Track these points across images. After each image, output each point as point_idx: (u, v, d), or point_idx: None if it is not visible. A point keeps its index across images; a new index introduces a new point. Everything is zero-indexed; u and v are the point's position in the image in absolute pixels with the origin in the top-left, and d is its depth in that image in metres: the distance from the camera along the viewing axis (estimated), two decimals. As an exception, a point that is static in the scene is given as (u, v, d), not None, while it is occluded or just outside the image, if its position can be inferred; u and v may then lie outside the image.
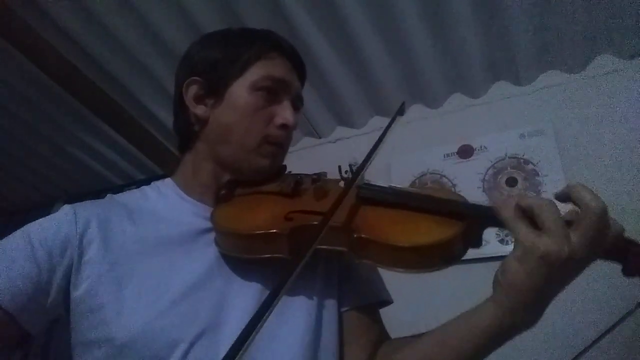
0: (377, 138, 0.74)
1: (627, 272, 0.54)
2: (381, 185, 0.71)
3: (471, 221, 0.61)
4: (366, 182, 0.72)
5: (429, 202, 0.66)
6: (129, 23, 1.78)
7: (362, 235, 0.61)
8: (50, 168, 2.73)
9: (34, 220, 0.67)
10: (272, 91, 0.76)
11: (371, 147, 0.72)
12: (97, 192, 2.86)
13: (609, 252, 0.54)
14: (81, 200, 0.73)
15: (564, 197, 0.54)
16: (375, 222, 0.64)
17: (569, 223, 0.51)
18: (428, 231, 0.61)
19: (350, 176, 0.76)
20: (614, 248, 0.53)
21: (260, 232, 0.65)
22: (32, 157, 2.61)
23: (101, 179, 2.82)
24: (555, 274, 0.51)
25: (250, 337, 0.41)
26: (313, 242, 0.55)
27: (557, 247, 0.49)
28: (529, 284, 0.52)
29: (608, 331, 0.64)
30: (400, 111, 0.84)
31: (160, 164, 2.42)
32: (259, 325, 0.42)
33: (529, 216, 0.53)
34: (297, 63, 0.82)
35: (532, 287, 0.52)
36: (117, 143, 2.46)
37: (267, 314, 0.43)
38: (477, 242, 0.63)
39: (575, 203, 0.52)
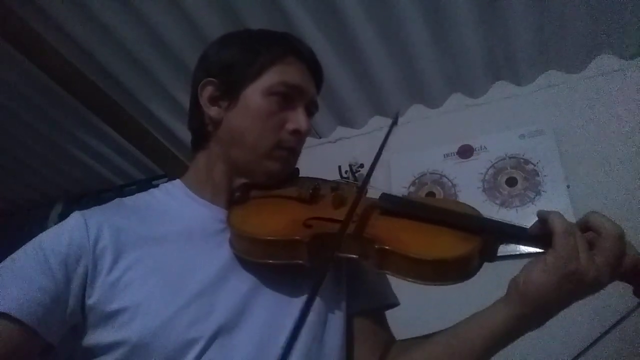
0: (377, 138, 0.74)
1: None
2: (400, 196, 0.72)
3: (489, 236, 0.62)
4: (385, 193, 0.72)
5: (448, 215, 0.66)
6: (129, 23, 1.78)
7: (386, 247, 0.60)
8: (50, 168, 2.72)
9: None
10: (286, 97, 0.76)
11: (371, 146, 0.73)
12: (97, 192, 2.86)
13: (624, 274, 0.57)
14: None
15: (583, 226, 0.58)
16: (397, 234, 0.63)
17: (590, 246, 0.56)
18: (449, 245, 0.61)
19: (350, 178, 0.76)
20: (630, 272, 0.56)
21: (282, 238, 0.65)
22: (32, 157, 2.60)
23: (101, 179, 2.80)
24: (578, 290, 0.55)
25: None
26: (332, 251, 0.57)
27: (588, 268, 0.54)
28: (550, 297, 0.55)
29: (608, 331, 0.64)
30: (395, 120, 0.85)
31: (160, 164, 2.42)
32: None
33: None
34: (314, 68, 0.82)
35: (553, 299, 0.56)
36: (117, 143, 2.45)
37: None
38: (492, 257, 0.64)
39: (595, 230, 0.56)
